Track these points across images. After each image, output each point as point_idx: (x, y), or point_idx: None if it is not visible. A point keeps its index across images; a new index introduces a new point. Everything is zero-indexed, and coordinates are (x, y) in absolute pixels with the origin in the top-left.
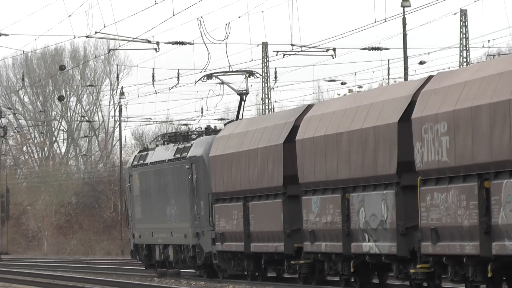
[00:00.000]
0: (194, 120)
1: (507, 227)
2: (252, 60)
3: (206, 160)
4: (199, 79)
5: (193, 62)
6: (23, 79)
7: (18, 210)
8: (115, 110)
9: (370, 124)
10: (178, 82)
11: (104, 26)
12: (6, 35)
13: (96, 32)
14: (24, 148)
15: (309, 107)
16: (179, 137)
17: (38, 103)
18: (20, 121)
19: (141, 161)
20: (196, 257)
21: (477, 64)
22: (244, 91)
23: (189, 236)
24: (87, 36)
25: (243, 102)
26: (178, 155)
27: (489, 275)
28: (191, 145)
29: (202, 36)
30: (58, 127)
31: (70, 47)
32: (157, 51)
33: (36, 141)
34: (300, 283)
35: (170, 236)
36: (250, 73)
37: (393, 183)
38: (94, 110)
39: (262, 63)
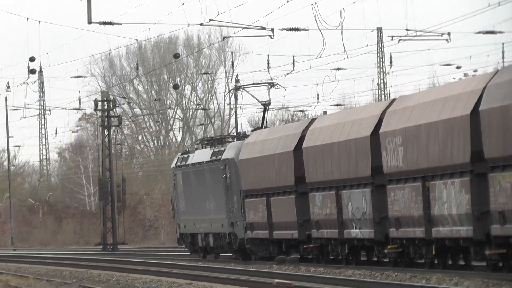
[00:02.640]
0: (310, 106)
1: (439, 217)
2: (367, 46)
3: (237, 162)
4: (228, 92)
5: (308, 48)
6: (137, 68)
7: (135, 200)
8: (230, 97)
9: (352, 136)
10: (293, 68)
11: (218, 14)
12: (119, 24)
13: (210, 20)
14: (140, 137)
15: (312, 120)
16: (215, 141)
17: (153, 92)
18: (135, 110)
19: (183, 163)
20: (232, 243)
21: (424, 91)
22: (267, 102)
23: (225, 226)
24: (201, 24)
25: (266, 111)
26: (214, 158)
27: (433, 253)
28: (225, 149)
29: (316, 22)
30: (173, 116)
31: (184, 35)
32: (271, 38)
33: (151, 130)
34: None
35: (209, 225)
36: (272, 85)
37: (369, 183)
38: (209, 98)
39: (377, 48)
